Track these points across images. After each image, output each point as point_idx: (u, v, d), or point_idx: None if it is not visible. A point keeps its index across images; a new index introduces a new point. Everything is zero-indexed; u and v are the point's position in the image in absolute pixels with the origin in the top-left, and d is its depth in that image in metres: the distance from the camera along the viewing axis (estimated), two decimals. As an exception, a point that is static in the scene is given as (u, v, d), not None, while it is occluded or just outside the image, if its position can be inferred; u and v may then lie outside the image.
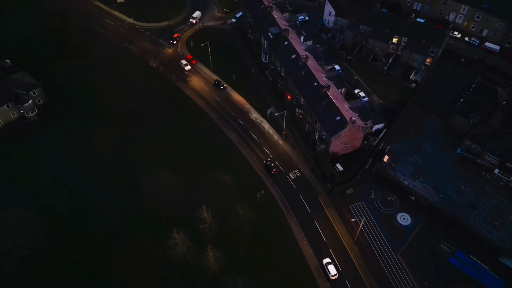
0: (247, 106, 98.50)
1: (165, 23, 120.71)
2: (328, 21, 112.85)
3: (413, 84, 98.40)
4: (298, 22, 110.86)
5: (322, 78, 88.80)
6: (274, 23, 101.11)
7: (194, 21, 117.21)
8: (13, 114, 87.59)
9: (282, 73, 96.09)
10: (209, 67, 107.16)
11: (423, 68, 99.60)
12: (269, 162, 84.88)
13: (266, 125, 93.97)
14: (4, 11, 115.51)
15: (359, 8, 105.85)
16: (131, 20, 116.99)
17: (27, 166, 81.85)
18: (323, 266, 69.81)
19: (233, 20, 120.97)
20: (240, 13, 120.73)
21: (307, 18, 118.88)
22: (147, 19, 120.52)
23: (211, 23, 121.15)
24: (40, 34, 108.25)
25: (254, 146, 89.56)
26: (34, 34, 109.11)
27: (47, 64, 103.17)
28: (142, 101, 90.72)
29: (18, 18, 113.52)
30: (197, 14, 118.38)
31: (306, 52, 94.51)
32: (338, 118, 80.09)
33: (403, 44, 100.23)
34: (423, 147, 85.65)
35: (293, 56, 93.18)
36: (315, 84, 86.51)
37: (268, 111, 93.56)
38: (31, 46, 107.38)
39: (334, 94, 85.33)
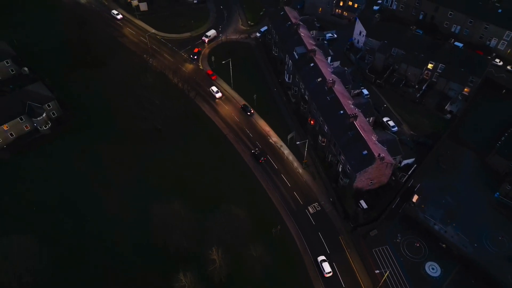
0: (267, 128, 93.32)
1: (187, 34, 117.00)
2: (358, 41, 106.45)
3: (448, 115, 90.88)
4: (326, 42, 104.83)
5: (349, 105, 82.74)
6: (300, 42, 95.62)
7: (206, 40, 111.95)
8: (26, 126, 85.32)
9: (306, 96, 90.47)
10: (229, 84, 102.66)
11: (460, 98, 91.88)
12: (257, 152, 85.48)
13: (286, 151, 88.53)
14: (26, 18, 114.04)
15: (392, 29, 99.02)
16: (152, 31, 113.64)
17: (37, 183, 79.14)
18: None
19: (258, 34, 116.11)
20: (265, 27, 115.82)
21: (335, 35, 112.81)
22: (169, 29, 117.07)
23: (234, 36, 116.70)
24: (60, 43, 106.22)
25: (272, 173, 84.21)
26: (54, 42, 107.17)
27: (65, 73, 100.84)
28: (158, 118, 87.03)
29: (39, 26, 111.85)
30: (211, 33, 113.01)
31: (333, 76, 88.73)
32: (365, 152, 73.85)
33: (439, 71, 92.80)
34: (457, 187, 78.28)
35: (318, 79, 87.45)
36: (341, 112, 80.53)
37: (289, 136, 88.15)
38: (50, 54, 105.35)
39: (362, 124, 79.09)
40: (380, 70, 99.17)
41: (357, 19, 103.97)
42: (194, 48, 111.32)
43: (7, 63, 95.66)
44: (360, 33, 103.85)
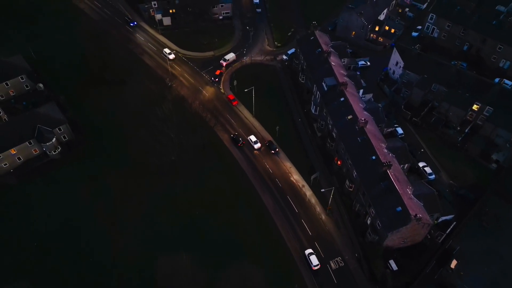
0: (288, 164, 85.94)
1: (210, 53, 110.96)
2: (394, 71, 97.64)
3: (494, 165, 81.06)
4: (358, 73, 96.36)
5: (382, 150, 74.41)
6: (330, 72, 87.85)
7: (224, 64, 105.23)
8: (34, 150, 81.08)
9: (334, 134, 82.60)
10: (250, 111, 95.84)
11: (508, 146, 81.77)
12: (236, 136, 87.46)
13: (308, 192, 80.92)
14: (46, 29, 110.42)
15: (433, 62, 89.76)
16: (173, 52, 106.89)
17: (41, 215, 74.52)
18: None
19: (284, 57, 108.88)
20: (293, 50, 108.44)
21: (368, 63, 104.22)
22: (192, 47, 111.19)
23: (259, 58, 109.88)
24: (79, 57, 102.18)
25: (292, 217, 76.84)
26: (73, 56, 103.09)
27: (81, 91, 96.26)
28: (174, 148, 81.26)
29: (59, 38, 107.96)
30: (230, 56, 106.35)
31: (365, 114, 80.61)
32: (399, 209, 65.45)
33: (486, 114, 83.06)
34: (502, 253, 68.74)
35: (349, 117, 79.52)
36: (373, 157, 72.33)
37: (312, 177, 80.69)
38: (68, 69, 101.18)
39: (396, 174, 70.65)
40: (418, 107, 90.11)
41: (395, 49, 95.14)
42: (216, 69, 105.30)
43: (22, 78, 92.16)
44: (397, 63, 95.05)
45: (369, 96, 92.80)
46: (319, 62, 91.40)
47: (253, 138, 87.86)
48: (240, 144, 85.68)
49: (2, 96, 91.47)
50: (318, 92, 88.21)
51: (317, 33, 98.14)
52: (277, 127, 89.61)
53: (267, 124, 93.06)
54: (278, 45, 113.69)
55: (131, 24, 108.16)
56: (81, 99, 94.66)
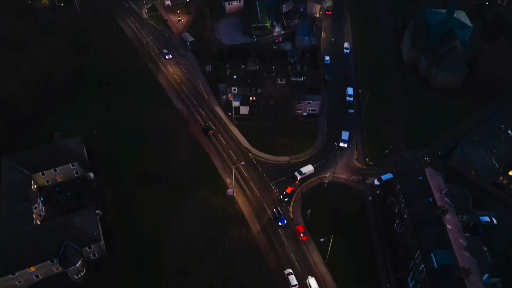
0: None
1: (285, 159, 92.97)
2: (536, 248, 69.19)
3: None
4: (480, 234, 69.99)
5: None
6: (444, 241, 63.34)
7: (299, 178, 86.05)
8: (56, 268, 67.57)
9: None
10: (323, 256, 73.97)
11: None
12: (206, 126, 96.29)
13: None
14: (113, 106, 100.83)
15: None
16: (241, 163, 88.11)
17: None
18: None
19: (376, 182, 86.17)
20: (389, 175, 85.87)
21: (494, 222, 76.51)
22: (265, 147, 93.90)
23: (343, 176, 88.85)
24: (139, 148, 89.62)
25: None
26: (134, 144, 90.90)
27: (132, 188, 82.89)
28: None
29: (124, 120, 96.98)
30: (307, 169, 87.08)
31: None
32: None
33: None
34: None
35: (471, 332, 53.39)
36: None
37: None
38: (124, 157, 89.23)
39: None
40: None
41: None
42: (288, 182, 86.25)
43: (73, 165, 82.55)
44: (544, 240, 66.87)
45: (494, 280, 65.15)
46: (428, 219, 67.43)
47: None
48: (209, 133, 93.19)
49: (47, 182, 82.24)
50: (423, 265, 63.56)
51: (428, 171, 74.82)
52: (356, 299, 66.21)
53: (342, 283, 70.22)
54: (370, 163, 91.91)
55: (280, 223, 77.82)
56: (129, 199, 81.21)
